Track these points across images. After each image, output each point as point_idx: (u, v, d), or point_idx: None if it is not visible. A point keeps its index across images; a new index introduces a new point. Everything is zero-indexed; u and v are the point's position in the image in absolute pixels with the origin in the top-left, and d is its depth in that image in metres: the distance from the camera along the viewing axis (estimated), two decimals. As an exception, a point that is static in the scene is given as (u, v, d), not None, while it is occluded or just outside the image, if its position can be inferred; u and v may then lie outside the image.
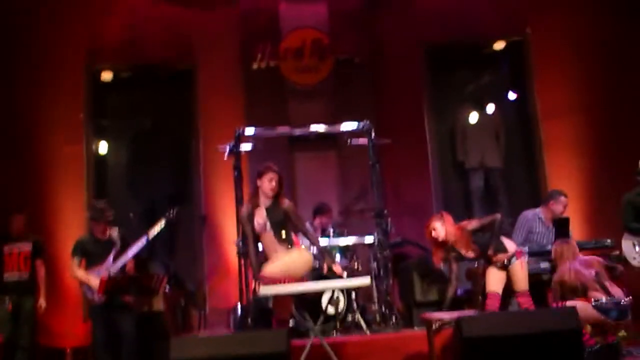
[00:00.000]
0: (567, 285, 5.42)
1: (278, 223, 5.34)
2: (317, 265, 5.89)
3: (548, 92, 8.41)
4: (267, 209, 5.37)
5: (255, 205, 5.40)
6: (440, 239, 5.68)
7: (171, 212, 6.35)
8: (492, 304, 5.67)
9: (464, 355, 4.24)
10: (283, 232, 5.32)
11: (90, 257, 6.01)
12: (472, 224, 5.73)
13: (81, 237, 6.30)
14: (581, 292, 5.35)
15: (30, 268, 6.59)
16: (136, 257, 6.15)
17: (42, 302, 6.59)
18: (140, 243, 6.05)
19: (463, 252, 5.70)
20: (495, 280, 5.70)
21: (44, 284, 6.67)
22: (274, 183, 5.36)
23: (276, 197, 5.39)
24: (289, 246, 5.31)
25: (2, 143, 7.99)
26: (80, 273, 5.99)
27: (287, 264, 5.17)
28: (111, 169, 8.81)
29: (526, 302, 5.66)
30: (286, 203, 5.43)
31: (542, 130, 8.40)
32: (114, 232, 6.13)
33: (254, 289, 5.35)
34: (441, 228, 5.68)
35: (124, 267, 6.01)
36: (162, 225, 6.22)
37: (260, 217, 5.32)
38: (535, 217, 6.75)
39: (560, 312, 4.73)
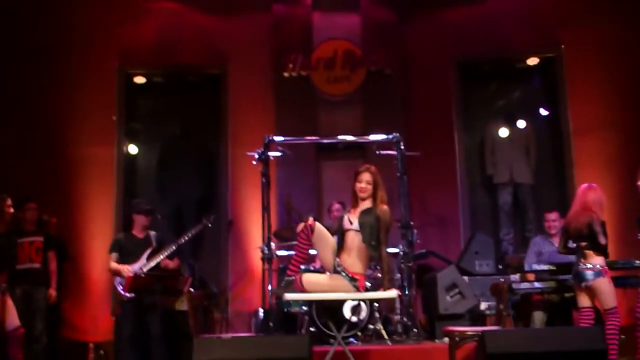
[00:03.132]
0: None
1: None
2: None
3: (580, 108, 8.32)
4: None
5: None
6: None
7: (209, 219, 6.49)
8: (587, 320, 5.58)
9: (487, 370, 4.21)
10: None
11: (125, 254, 6.24)
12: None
13: (119, 234, 6.61)
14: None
15: (42, 259, 6.72)
16: (171, 257, 6.30)
17: (52, 292, 6.77)
18: (175, 245, 6.22)
19: None
20: (583, 297, 5.61)
21: (55, 275, 6.86)
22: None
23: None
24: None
25: (35, 144, 8.13)
26: (115, 265, 6.22)
27: (326, 287, 4.86)
28: (141, 172, 8.93)
29: (612, 321, 5.48)
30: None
31: (573, 146, 8.32)
32: (152, 233, 6.33)
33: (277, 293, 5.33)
34: None
35: (157, 266, 6.16)
36: (199, 230, 6.42)
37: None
38: (541, 240, 6.91)
39: (586, 332, 4.69)
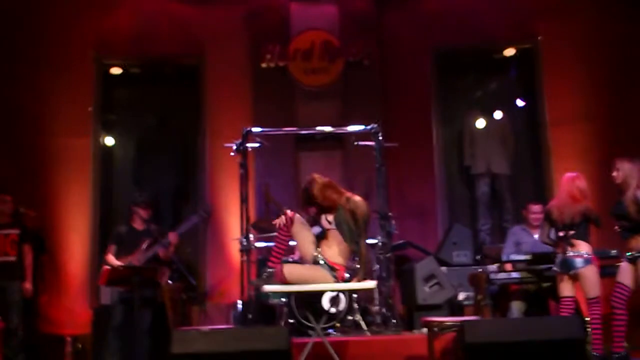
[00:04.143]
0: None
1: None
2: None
3: (557, 99, 8.37)
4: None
5: None
6: None
7: (206, 210, 6.53)
8: (567, 309, 5.62)
9: (466, 361, 4.23)
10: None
11: (124, 246, 6.26)
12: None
13: (119, 226, 6.62)
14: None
15: (17, 252, 6.64)
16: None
17: (27, 285, 6.71)
18: (173, 237, 6.28)
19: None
20: (566, 286, 5.64)
21: (30, 268, 6.79)
22: None
23: None
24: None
25: (9, 136, 8.03)
26: (110, 259, 6.22)
27: (308, 277, 4.89)
28: (117, 163, 8.85)
29: (596, 310, 5.53)
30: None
31: (550, 137, 8.37)
32: (151, 225, 6.39)
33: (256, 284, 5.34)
34: None
35: (154, 257, 6.15)
36: (196, 222, 6.43)
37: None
38: (520, 230, 6.95)
39: (565, 321, 4.72)
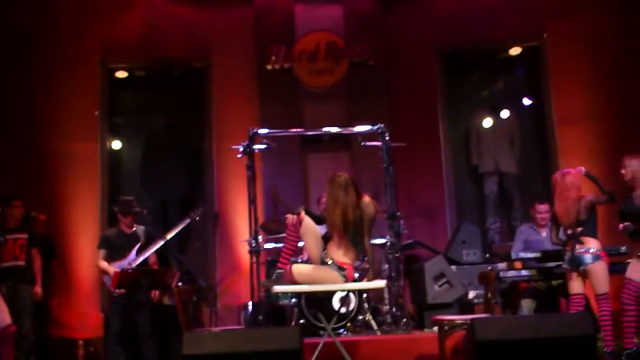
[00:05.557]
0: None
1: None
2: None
3: (564, 98, 8.36)
4: None
5: None
6: None
7: (196, 213, 6.48)
8: (577, 306, 5.61)
9: (477, 359, 4.21)
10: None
11: (114, 250, 6.23)
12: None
13: (107, 230, 6.59)
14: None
15: (26, 256, 6.67)
16: (157, 252, 6.27)
17: (37, 289, 6.72)
18: (162, 240, 6.20)
19: None
20: (576, 283, 5.62)
21: (40, 272, 6.80)
22: None
23: None
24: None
25: (18, 141, 8.05)
26: (103, 264, 6.17)
27: (317, 277, 4.90)
28: (125, 166, 8.88)
29: (605, 306, 5.52)
30: None
31: (558, 135, 8.36)
32: (140, 228, 6.27)
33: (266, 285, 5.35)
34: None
35: (145, 261, 6.13)
36: (186, 224, 6.40)
37: None
38: (528, 228, 6.94)
39: (575, 317, 4.70)
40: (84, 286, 7.85)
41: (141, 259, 6.14)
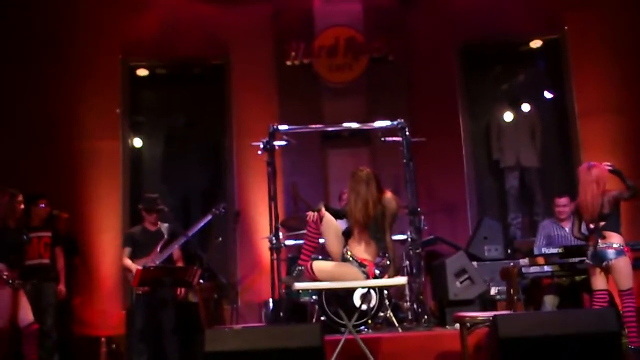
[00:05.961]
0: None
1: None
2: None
3: (585, 91, 8.29)
4: None
5: None
6: None
7: (220, 207, 6.50)
8: (601, 302, 5.54)
9: (501, 356, 4.18)
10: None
11: (139, 247, 6.25)
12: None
13: (132, 228, 6.61)
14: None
15: (51, 255, 6.73)
16: (182, 249, 6.30)
17: (62, 288, 6.79)
18: (185, 237, 6.23)
19: None
20: (599, 279, 5.56)
21: (63, 271, 6.86)
22: None
23: None
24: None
25: (41, 140, 8.12)
26: (128, 262, 6.21)
27: (338, 274, 4.89)
28: (146, 164, 8.93)
29: (629, 302, 5.44)
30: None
31: (579, 129, 8.29)
32: (164, 226, 6.33)
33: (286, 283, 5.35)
34: None
35: (169, 258, 6.16)
36: (210, 220, 6.42)
37: None
38: (550, 224, 6.86)
39: (599, 314, 4.65)
40: (106, 284, 7.93)
41: (164, 256, 6.18)
